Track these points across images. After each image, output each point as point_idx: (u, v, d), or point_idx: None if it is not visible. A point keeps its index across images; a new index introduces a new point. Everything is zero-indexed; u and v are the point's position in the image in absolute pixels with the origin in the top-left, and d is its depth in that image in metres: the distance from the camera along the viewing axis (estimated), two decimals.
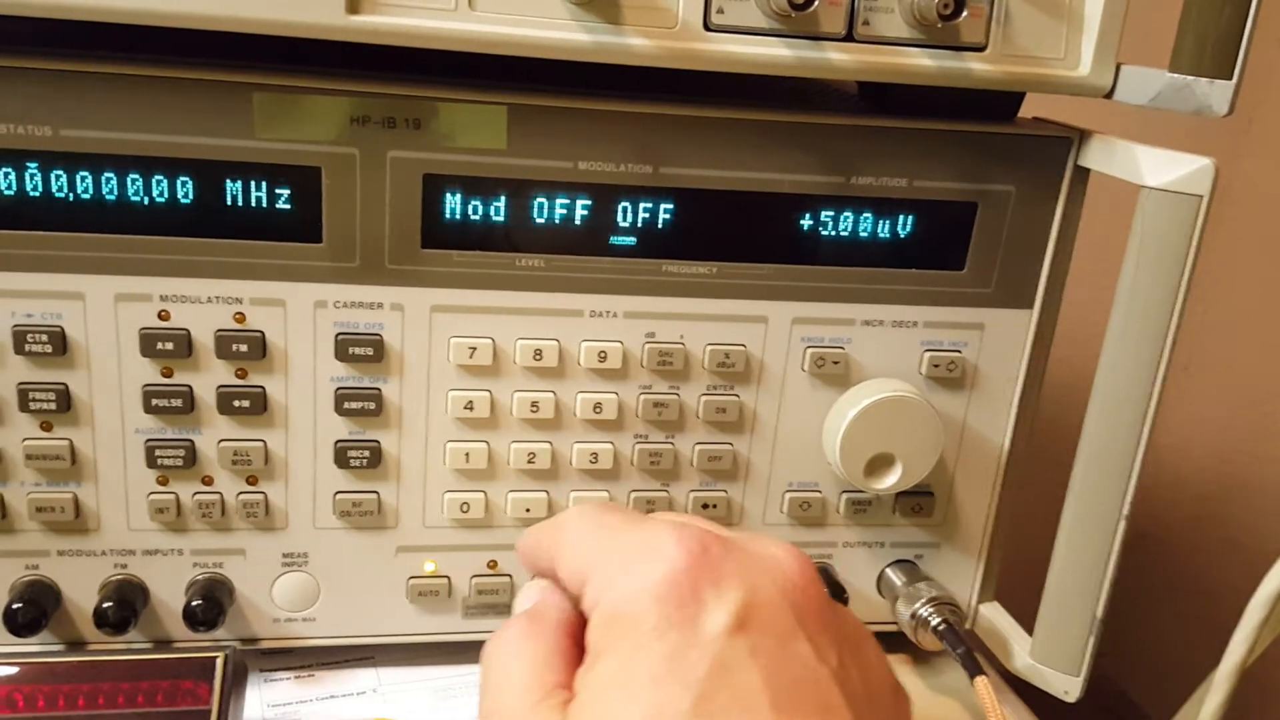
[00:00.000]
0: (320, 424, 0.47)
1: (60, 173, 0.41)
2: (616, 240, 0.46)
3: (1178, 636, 0.93)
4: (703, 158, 0.46)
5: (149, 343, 0.44)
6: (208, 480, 0.47)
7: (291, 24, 0.39)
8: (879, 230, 0.48)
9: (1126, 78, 0.45)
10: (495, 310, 0.46)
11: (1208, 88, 0.43)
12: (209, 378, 0.45)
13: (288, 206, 0.43)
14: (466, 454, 0.48)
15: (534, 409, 0.48)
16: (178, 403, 0.45)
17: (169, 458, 0.46)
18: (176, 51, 0.42)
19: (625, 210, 0.46)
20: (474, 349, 0.47)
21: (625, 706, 0.28)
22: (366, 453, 0.47)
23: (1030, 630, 0.53)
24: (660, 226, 0.46)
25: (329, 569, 0.49)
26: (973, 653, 0.49)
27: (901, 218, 0.48)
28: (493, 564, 0.51)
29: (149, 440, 0.46)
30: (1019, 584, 0.58)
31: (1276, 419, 0.88)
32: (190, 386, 0.45)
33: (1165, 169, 0.44)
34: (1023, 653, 0.53)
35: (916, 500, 0.53)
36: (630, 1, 0.41)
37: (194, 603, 0.47)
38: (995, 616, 0.55)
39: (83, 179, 0.42)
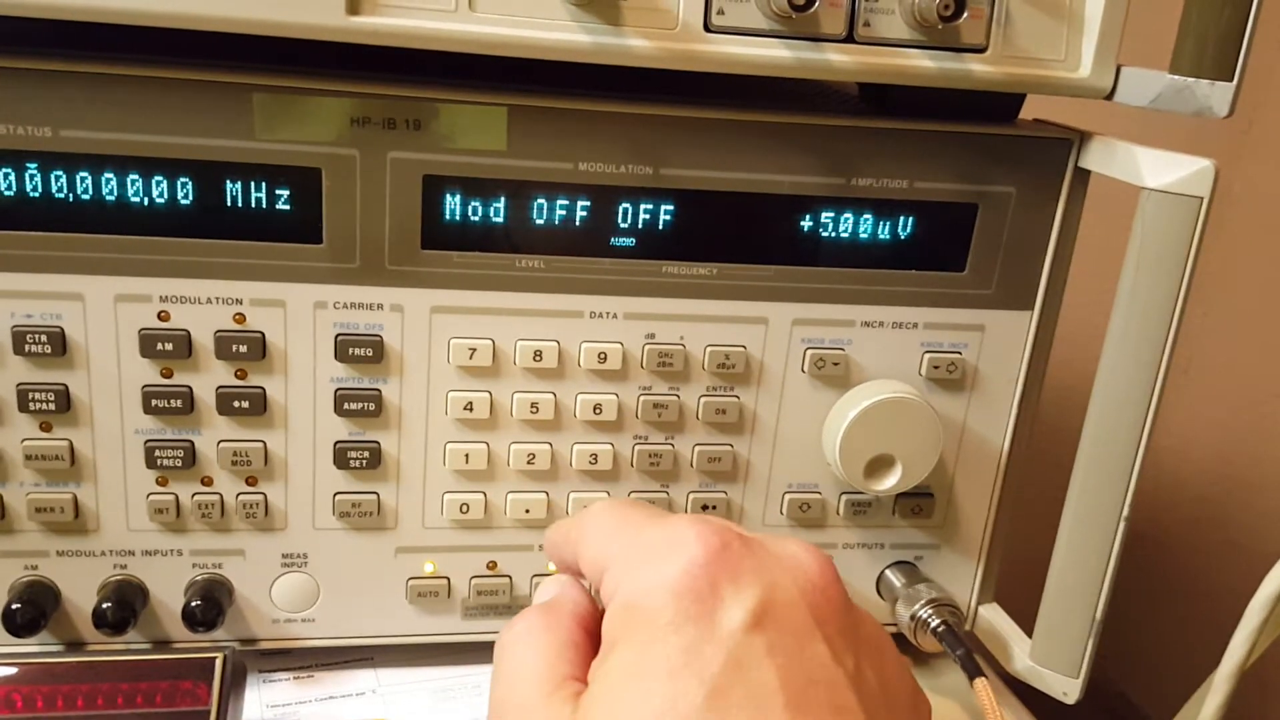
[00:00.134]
0: (320, 425, 0.47)
1: (60, 173, 0.41)
2: (616, 241, 0.46)
3: (1177, 638, 0.93)
4: (703, 159, 0.45)
5: (149, 343, 0.44)
6: (207, 481, 0.47)
7: (291, 25, 0.39)
8: (879, 231, 0.48)
9: (1127, 79, 0.45)
10: (495, 311, 0.46)
11: (1208, 89, 0.43)
12: (209, 378, 0.45)
13: (288, 207, 0.43)
14: (466, 455, 0.48)
15: (534, 410, 0.48)
16: (177, 403, 0.45)
17: (168, 458, 0.46)
18: (177, 52, 0.42)
19: (625, 211, 0.46)
20: (474, 350, 0.47)
21: (639, 698, 0.28)
22: (366, 453, 0.47)
23: (1030, 632, 0.52)
24: (660, 228, 0.46)
25: (328, 570, 0.49)
26: (972, 654, 0.49)
27: (902, 219, 0.48)
28: (492, 565, 0.51)
29: (148, 441, 0.46)
30: (1019, 585, 0.58)
31: (1276, 420, 0.88)
32: (190, 387, 0.45)
33: (1165, 170, 0.44)
34: (1022, 654, 0.53)
35: (916, 502, 0.53)
36: (630, 2, 0.41)
37: (193, 603, 0.47)
38: (995, 618, 0.55)
39: (82, 179, 0.42)
